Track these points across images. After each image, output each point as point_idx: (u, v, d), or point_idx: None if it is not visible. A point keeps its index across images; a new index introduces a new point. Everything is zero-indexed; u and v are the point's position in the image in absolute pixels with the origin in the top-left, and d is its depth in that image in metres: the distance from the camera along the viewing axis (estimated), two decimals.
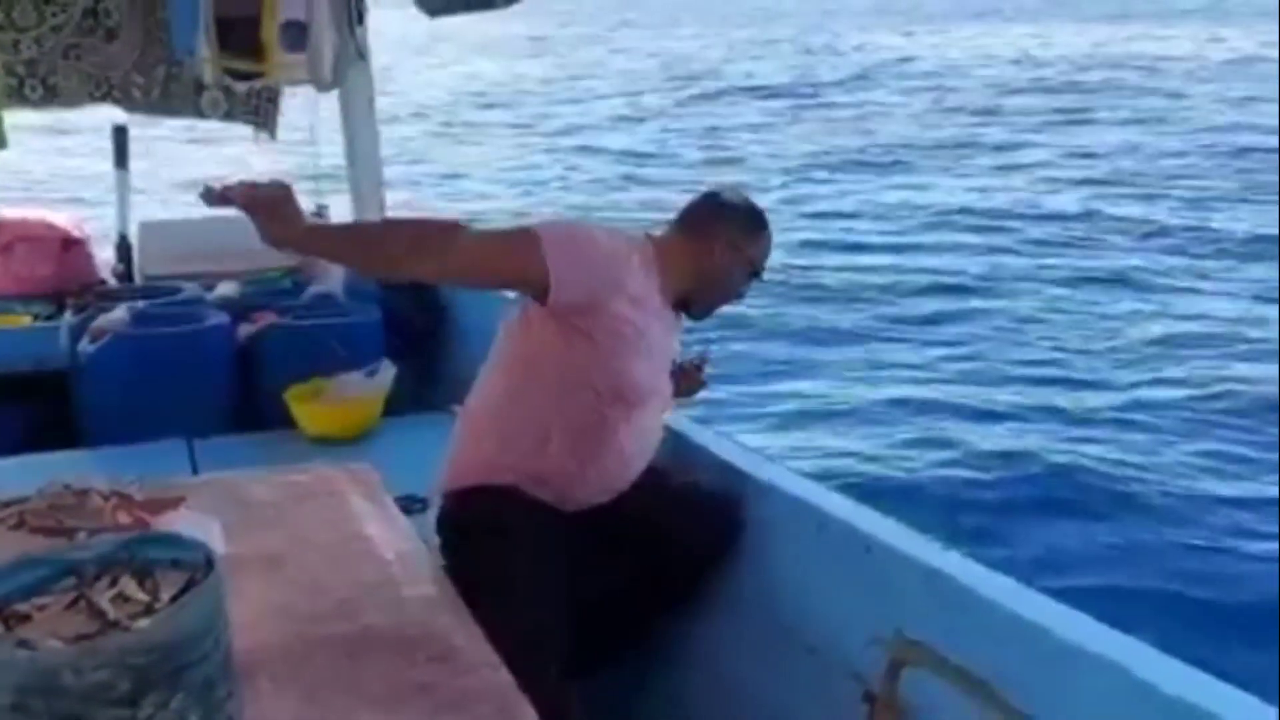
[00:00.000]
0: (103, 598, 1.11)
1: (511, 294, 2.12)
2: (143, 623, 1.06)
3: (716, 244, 2.08)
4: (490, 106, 20.51)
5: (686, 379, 2.37)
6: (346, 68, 3.69)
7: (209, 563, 1.15)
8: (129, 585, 1.13)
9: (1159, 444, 5.76)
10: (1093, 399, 6.42)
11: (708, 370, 2.44)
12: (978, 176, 13.27)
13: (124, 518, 1.57)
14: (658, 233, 2.14)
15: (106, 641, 1.02)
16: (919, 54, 25.16)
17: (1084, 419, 6.11)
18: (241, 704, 1.17)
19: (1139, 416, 6.12)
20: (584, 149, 15.92)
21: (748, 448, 2.37)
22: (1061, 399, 6.43)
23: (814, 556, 1.95)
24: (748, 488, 2.14)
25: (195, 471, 2.75)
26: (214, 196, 1.68)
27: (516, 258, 1.85)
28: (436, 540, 2.03)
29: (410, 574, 1.59)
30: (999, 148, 14.92)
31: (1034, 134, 15.79)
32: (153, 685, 1.02)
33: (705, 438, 2.47)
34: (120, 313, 3.04)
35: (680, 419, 2.51)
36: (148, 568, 1.17)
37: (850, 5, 43.84)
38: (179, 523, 1.55)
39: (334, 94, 3.94)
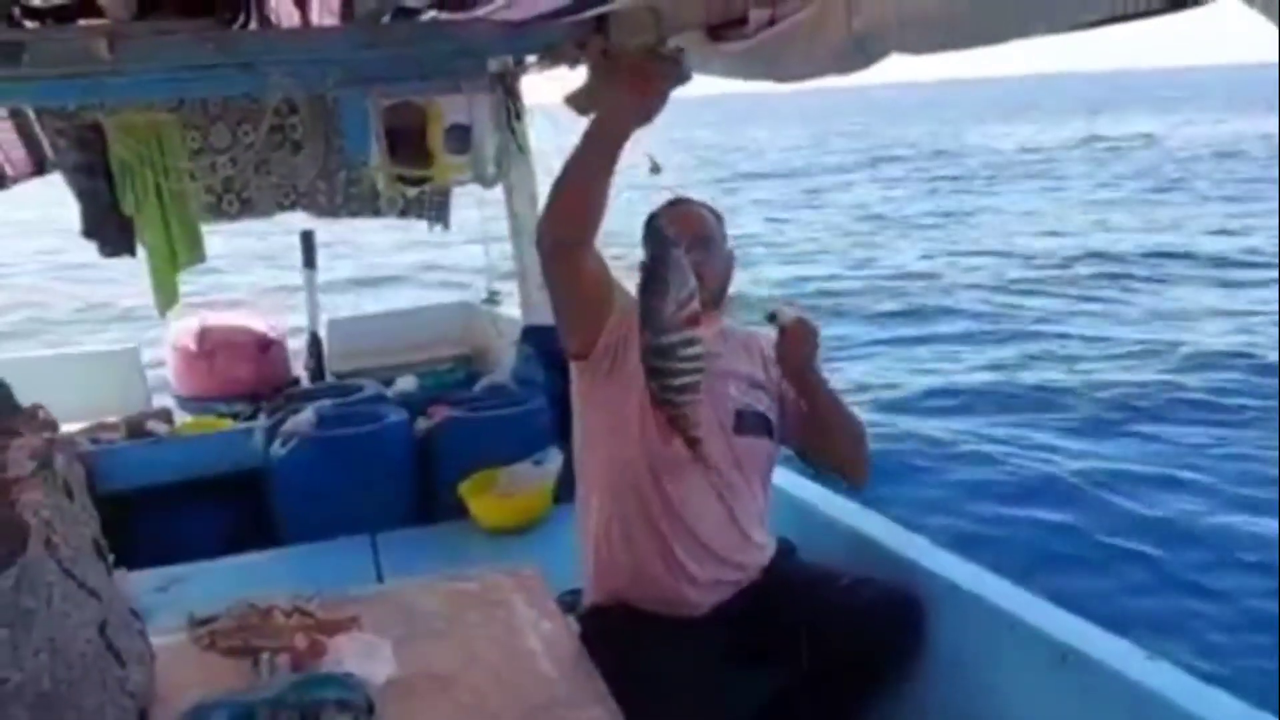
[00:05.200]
0: None
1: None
2: None
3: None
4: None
5: (786, 340, 2.02)
6: (509, 164, 3.82)
7: (370, 708, 1.16)
8: None
9: None
10: None
11: (789, 314, 2.02)
12: None
13: (301, 641, 1.62)
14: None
15: None
16: None
17: None
18: None
19: None
20: None
21: (914, 533, 2.24)
22: None
23: (1003, 664, 1.81)
24: (921, 582, 2.02)
25: (378, 567, 2.84)
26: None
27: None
28: None
29: (575, 695, 1.58)
30: None
31: None
32: None
33: (868, 524, 2.32)
34: (308, 414, 3.20)
35: (831, 497, 2.40)
36: (316, 709, 1.20)
37: None
38: (352, 646, 1.58)
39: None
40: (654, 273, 1.61)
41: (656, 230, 1.72)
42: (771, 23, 1.68)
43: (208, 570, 2.91)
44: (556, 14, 2.27)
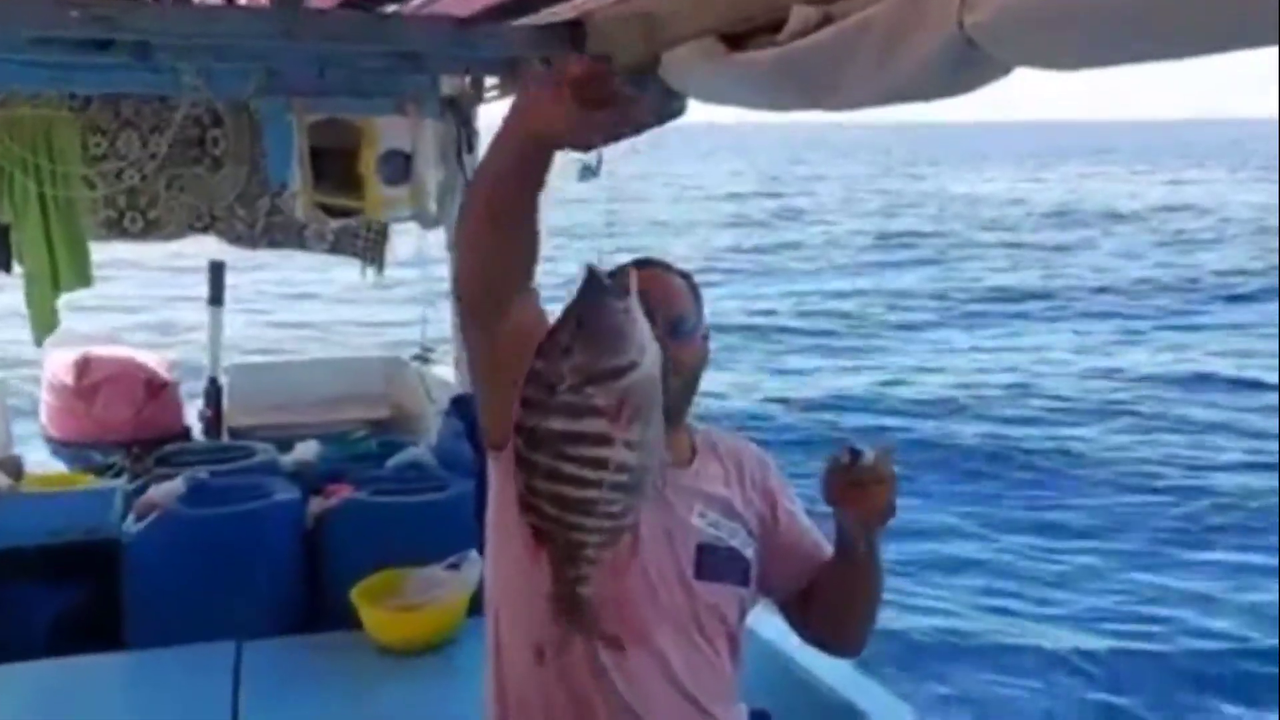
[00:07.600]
0: None
1: None
2: None
3: None
4: None
5: (872, 486, 1.46)
6: (454, 201, 3.29)
7: None
8: None
9: None
10: None
11: (869, 457, 1.45)
12: None
13: None
14: None
15: None
16: None
17: None
18: None
19: None
20: None
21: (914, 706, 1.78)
22: None
23: None
24: None
25: (235, 689, 2.25)
26: None
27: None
28: None
29: None
30: None
31: None
32: None
33: (861, 694, 1.92)
34: (176, 484, 2.61)
35: (817, 656, 1.87)
36: None
37: None
38: None
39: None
40: (557, 326, 1.08)
41: (595, 274, 1.13)
42: (825, 23, 1.18)
43: (24, 675, 2.31)
44: (505, 11, 1.76)
